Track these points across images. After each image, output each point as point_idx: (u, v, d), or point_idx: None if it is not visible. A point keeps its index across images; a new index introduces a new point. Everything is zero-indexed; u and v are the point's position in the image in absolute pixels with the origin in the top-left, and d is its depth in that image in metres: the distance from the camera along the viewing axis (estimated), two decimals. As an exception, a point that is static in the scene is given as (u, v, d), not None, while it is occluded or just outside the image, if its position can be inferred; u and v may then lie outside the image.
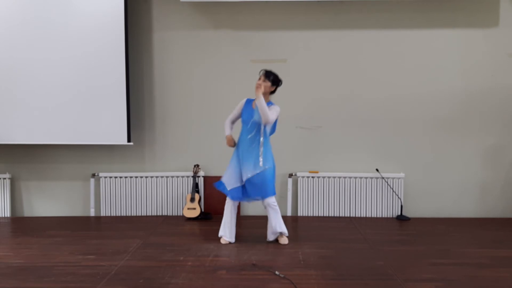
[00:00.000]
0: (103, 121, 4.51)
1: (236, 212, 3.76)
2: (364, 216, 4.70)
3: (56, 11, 4.42)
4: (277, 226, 3.67)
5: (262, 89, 3.50)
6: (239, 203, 4.09)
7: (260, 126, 3.58)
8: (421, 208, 4.72)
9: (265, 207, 3.67)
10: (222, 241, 3.72)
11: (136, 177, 4.76)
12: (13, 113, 4.47)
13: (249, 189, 3.62)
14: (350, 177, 4.70)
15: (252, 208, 4.76)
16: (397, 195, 4.67)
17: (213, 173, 4.79)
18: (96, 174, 4.76)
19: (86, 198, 4.79)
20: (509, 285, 2.85)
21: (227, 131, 3.78)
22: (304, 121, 4.72)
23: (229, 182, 3.69)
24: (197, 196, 4.57)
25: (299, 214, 4.73)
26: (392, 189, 4.67)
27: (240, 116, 3.75)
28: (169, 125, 4.79)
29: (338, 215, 4.72)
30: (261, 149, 3.58)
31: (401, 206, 4.66)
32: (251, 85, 4.52)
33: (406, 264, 3.21)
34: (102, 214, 4.75)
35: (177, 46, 4.73)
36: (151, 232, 4.09)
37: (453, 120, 4.69)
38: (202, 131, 4.76)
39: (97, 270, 3.09)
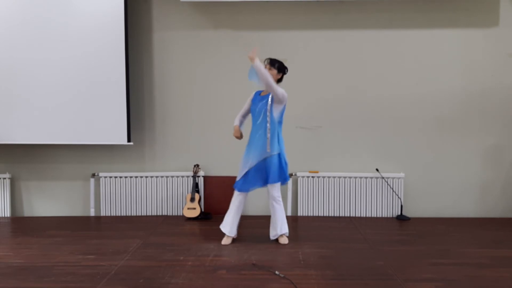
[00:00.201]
0: (103, 121, 4.51)
1: (242, 206, 3.72)
2: (364, 216, 4.70)
3: (56, 11, 4.42)
4: (282, 227, 3.68)
5: (254, 54, 3.43)
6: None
7: (267, 112, 3.57)
8: (421, 208, 4.72)
9: (270, 202, 3.66)
10: (223, 241, 3.71)
11: (136, 177, 4.76)
12: (13, 113, 4.47)
13: (253, 176, 3.61)
14: (350, 177, 4.71)
15: (252, 208, 4.76)
16: (397, 195, 4.67)
17: (213, 173, 4.80)
18: (96, 174, 4.76)
19: (86, 198, 4.79)
20: (509, 285, 2.85)
21: (236, 122, 3.83)
22: (304, 121, 4.72)
23: (239, 174, 3.70)
24: (197, 196, 4.57)
25: (299, 214, 4.73)
26: (392, 189, 4.67)
27: (249, 110, 3.77)
28: (169, 125, 4.79)
29: (338, 215, 4.72)
30: (268, 135, 3.56)
31: (401, 206, 4.66)
32: (251, 85, 4.53)
33: (406, 264, 3.21)
34: (102, 214, 4.75)
35: (177, 46, 4.73)
36: (151, 232, 4.09)
37: (453, 120, 4.69)
38: (202, 131, 4.76)
39: (97, 270, 3.09)
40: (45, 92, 4.46)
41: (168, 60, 4.75)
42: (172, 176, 4.77)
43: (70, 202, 4.82)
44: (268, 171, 3.58)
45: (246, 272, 3.05)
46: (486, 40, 4.63)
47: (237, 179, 3.71)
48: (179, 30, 4.73)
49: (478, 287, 2.82)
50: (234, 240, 3.76)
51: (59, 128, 4.50)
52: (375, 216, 4.70)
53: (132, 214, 4.76)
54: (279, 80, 3.69)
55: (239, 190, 3.68)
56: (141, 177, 4.76)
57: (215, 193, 4.76)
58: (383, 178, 4.67)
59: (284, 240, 3.73)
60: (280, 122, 3.66)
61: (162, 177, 4.77)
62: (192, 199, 4.55)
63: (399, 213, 4.67)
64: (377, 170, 4.68)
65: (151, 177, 4.76)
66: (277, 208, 3.66)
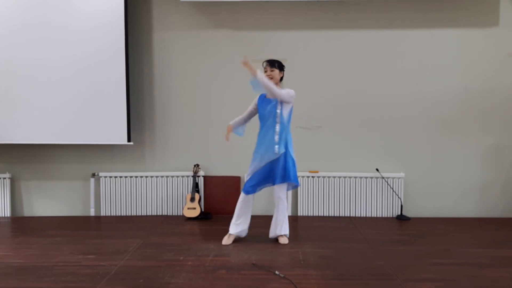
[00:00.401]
0: (103, 120, 4.51)
1: (249, 206, 3.69)
2: (364, 216, 4.70)
3: (56, 11, 4.42)
4: (282, 228, 3.69)
5: (251, 66, 3.42)
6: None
7: (276, 113, 3.56)
8: (421, 208, 4.72)
9: (275, 202, 3.67)
10: (223, 240, 3.69)
11: (136, 177, 4.76)
12: (13, 113, 4.47)
13: (261, 177, 3.61)
14: (350, 177, 4.71)
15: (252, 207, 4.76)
16: (397, 195, 4.67)
17: (213, 173, 4.80)
18: (96, 174, 4.76)
19: (86, 198, 4.79)
20: (509, 285, 2.85)
21: (231, 122, 3.80)
22: (304, 121, 4.72)
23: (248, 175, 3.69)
24: (197, 196, 4.57)
25: (299, 214, 4.74)
26: (392, 189, 4.67)
27: (254, 113, 3.75)
28: (169, 125, 4.79)
29: (338, 215, 4.72)
30: (277, 136, 3.55)
31: (401, 206, 4.66)
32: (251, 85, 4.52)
33: (406, 264, 3.21)
34: (102, 214, 4.75)
35: (177, 46, 4.73)
36: (151, 232, 4.09)
37: (453, 120, 4.69)
38: (202, 131, 4.76)
39: (97, 270, 3.09)
40: (45, 92, 4.46)
41: (168, 60, 4.75)
42: (172, 176, 4.77)
43: (70, 202, 4.82)
44: (275, 171, 3.58)
45: (246, 272, 3.05)
46: (486, 40, 4.63)
47: (246, 180, 3.71)
48: (179, 30, 4.73)
49: (478, 287, 2.82)
50: (234, 240, 3.76)
51: (59, 128, 4.50)
52: (375, 216, 4.70)
53: (132, 214, 4.76)
54: (281, 78, 3.68)
55: (246, 193, 3.65)
56: (141, 177, 4.76)
57: (215, 193, 4.76)
58: (383, 178, 4.67)
59: (284, 240, 3.73)
60: (289, 121, 3.66)
61: (162, 177, 4.77)
62: (192, 199, 4.56)
63: (399, 213, 4.67)
64: (377, 170, 4.68)
65: (151, 177, 4.76)
66: (281, 208, 3.66)
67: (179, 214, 4.76)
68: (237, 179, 4.77)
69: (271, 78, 3.56)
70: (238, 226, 3.70)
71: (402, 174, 4.68)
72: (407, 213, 4.71)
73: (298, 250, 3.53)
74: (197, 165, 4.70)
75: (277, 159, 3.57)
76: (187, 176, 4.76)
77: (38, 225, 4.38)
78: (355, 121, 4.72)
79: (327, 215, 4.72)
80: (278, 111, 3.56)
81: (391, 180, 4.68)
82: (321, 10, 4.65)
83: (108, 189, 4.74)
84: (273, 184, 3.63)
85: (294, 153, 3.66)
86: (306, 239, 3.82)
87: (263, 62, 3.63)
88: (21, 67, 4.43)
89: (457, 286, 2.82)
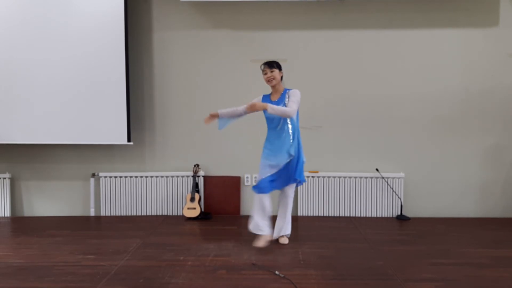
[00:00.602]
0: (103, 121, 4.51)
1: (266, 204, 3.61)
2: (364, 216, 4.70)
3: (56, 11, 4.42)
4: (286, 228, 3.71)
5: (259, 104, 3.41)
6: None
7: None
8: (421, 208, 4.72)
9: (280, 200, 3.68)
10: (256, 243, 3.61)
11: (136, 177, 4.76)
12: (13, 113, 4.47)
13: (279, 178, 3.58)
14: (350, 177, 4.71)
15: (252, 208, 4.76)
16: (397, 195, 4.67)
17: (213, 173, 4.80)
18: (96, 174, 4.76)
19: (86, 198, 4.79)
20: (509, 285, 2.85)
21: (221, 110, 3.71)
22: (304, 121, 4.69)
23: (260, 177, 3.62)
24: (197, 196, 4.57)
25: (299, 214, 4.74)
26: (392, 189, 4.67)
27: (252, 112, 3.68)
28: (169, 125, 4.79)
29: (338, 215, 4.72)
30: (291, 138, 3.54)
31: (401, 206, 4.66)
32: (251, 85, 4.53)
33: (406, 264, 3.21)
34: (102, 214, 4.75)
35: (177, 46, 4.73)
36: (151, 232, 4.09)
37: (453, 120, 4.69)
38: (202, 131, 4.75)
39: (97, 270, 3.09)
40: (45, 92, 4.46)
41: (168, 60, 4.75)
42: (172, 176, 4.77)
43: (70, 202, 4.82)
44: (290, 172, 3.57)
45: (246, 272, 3.05)
46: (486, 40, 4.63)
47: (258, 181, 3.62)
48: (179, 30, 4.73)
49: (478, 287, 2.82)
50: (234, 240, 3.76)
51: (59, 128, 4.50)
52: (375, 216, 4.70)
53: (132, 214, 4.76)
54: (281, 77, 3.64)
55: (260, 192, 3.58)
56: (141, 177, 4.76)
57: (215, 193, 4.76)
58: (383, 178, 4.67)
59: (284, 240, 3.74)
60: (297, 120, 3.65)
61: (162, 177, 4.77)
62: (192, 199, 4.56)
63: (399, 213, 4.67)
64: (377, 170, 4.69)
65: (151, 177, 4.76)
66: (290, 207, 3.67)
67: (179, 214, 4.76)
68: (237, 179, 4.77)
69: (273, 79, 3.53)
70: (260, 223, 3.69)
71: (402, 174, 4.68)
72: (407, 213, 4.71)
73: (298, 250, 3.53)
74: (197, 165, 4.70)
75: (292, 160, 3.56)
76: (187, 176, 4.76)
77: (38, 225, 4.38)
78: (355, 121, 4.72)
79: (327, 215, 4.72)
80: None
81: (391, 180, 4.68)
82: (321, 10, 4.65)
83: (108, 189, 4.74)
84: (289, 183, 3.62)
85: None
86: (306, 239, 3.82)
87: (261, 65, 3.59)
88: (21, 67, 4.44)
89: (457, 286, 2.82)
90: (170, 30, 4.73)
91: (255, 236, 3.70)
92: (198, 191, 4.65)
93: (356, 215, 4.70)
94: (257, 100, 3.71)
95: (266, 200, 3.61)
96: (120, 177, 4.75)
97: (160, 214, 4.77)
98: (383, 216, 4.70)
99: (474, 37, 4.63)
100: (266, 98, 3.66)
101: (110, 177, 4.74)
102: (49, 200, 4.83)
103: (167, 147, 4.81)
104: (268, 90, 3.72)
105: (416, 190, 4.73)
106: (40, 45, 4.43)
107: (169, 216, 4.73)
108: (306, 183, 4.70)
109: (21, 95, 4.46)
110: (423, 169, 4.72)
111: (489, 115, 4.68)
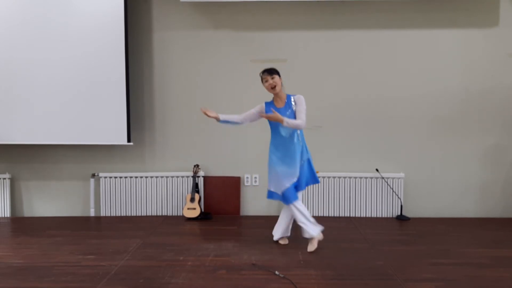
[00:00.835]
0: (103, 121, 4.51)
1: (303, 208, 3.56)
2: (364, 216, 4.70)
3: (56, 11, 4.42)
4: (289, 229, 3.73)
5: (277, 115, 3.38)
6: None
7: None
8: (421, 208, 4.72)
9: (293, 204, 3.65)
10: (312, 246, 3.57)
11: (136, 177, 4.76)
12: (13, 113, 4.47)
13: (299, 181, 3.54)
14: (350, 177, 4.71)
15: (252, 208, 4.77)
16: (397, 195, 4.67)
17: (213, 173, 4.80)
18: (96, 174, 4.76)
19: (86, 198, 4.79)
20: (509, 285, 2.85)
21: (223, 116, 3.62)
22: (304, 121, 4.71)
23: (278, 186, 3.55)
24: (197, 196, 4.57)
25: (299, 214, 4.73)
26: (392, 189, 4.67)
27: (254, 119, 3.63)
28: (169, 125, 4.79)
29: (338, 215, 4.72)
30: (301, 143, 3.54)
31: (401, 206, 4.66)
32: (250, 85, 4.53)
33: (406, 264, 3.21)
34: (102, 214, 4.75)
35: (177, 46, 4.73)
36: (151, 232, 4.09)
37: (453, 120, 4.69)
38: (202, 131, 4.75)
39: (97, 270, 3.09)
40: (45, 92, 4.46)
41: (168, 60, 4.75)
42: (172, 176, 4.77)
43: (70, 202, 4.82)
44: (306, 172, 3.56)
45: (246, 272, 3.05)
46: (486, 40, 4.63)
47: (276, 191, 3.57)
48: (179, 30, 4.73)
49: (478, 287, 2.82)
50: (234, 240, 3.76)
51: (59, 128, 4.50)
52: (375, 216, 4.70)
53: (132, 214, 4.76)
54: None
55: (294, 201, 3.50)
56: (141, 177, 4.76)
57: (215, 193, 4.76)
58: (383, 178, 4.67)
59: (285, 241, 3.74)
60: None
61: (162, 177, 4.76)
62: (192, 199, 4.55)
63: (399, 213, 4.67)
64: (377, 170, 4.68)
65: (151, 177, 4.76)
66: (295, 213, 3.58)
67: (179, 214, 4.76)
68: (237, 179, 4.77)
69: (276, 85, 3.47)
70: (280, 228, 3.73)
71: (402, 174, 4.68)
72: (407, 213, 4.71)
73: (298, 250, 3.53)
74: (197, 165, 4.70)
75: (303, 164, 3.55)
76: (187, 176, 4.75)
77: (38, 225, 4.38)
78: (355, 121, 4.72)
79: (327, 215, 4.72)
80: (294, 117, 3.50)
81: (391, 180, 4.68)
82: (321, 10, 4.65)
83: (108, 189, 4.74)
84: (308, 184, 3.62)
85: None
86: (306, 239, 3.81)
87: (260, 74, 3.53)
88: (21, 67, 4.43)
89: (457, 286, 2.82)
90: (170, 30, 4.73)
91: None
92: (198, 191, 4.65)
93: (356, 215, 4.70)
94: (260, 107, 3.62)
95: (300, 204, 3.55)
96: (120, 177, 4.75)
97: (160, 214, 4.77)
98: (383, 216, 4.70)
99: (474, 37, 4.63)
100: (271, 106, 3.57)
101: (110, 177, 4.74)
102: (49, 200, 4.83)
103: (167, 147, 4.81)
104: (264, 94, 3.67)
105: (416, 190, 4.72)
106: (40, 45, 4.43)
107: (169, 216, 4.73)
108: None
109: (21, 95, 4.46)
110: (423, 169, 4.72)
111: (489, 115, 4.68)
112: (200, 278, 2.93)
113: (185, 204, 4.63)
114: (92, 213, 4.76)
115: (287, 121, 3.38)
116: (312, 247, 3.52)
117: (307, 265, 3.19)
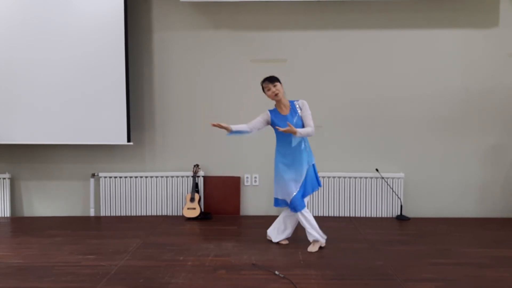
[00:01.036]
0: (103, 121, 4.51)
1: (310, 217, 3.60)
2: (364, 216, 4.70)
3: (56, 11, 4.42)
4: (291, 229, 3.74)
5: (292, 128, 3.35)
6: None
7: (302, 127, 3.50)
8: (421, 208, 4.72)
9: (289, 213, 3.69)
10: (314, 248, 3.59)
11: (136, 177, 4.76)
12: (13, 113, 4.47)
13: (304, 187, 3.55)
14: (350, 177, 4.70)
15: (252, 208, 4.77)
16: (397, 195, 4.67)
17: (213, 173, 4.80)
18: (96, 174, 4.76)
19: (86, 198, 4.79)
20: (509, 285, 2.85)
21: (234, 126, 3.53)
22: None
23: (286, 194, 3.56)
24: (197, 196, 4.57)
25: (299, 214, 4.73)
26: (392, 189, 4.67)
27: (261, 127, 3.60)
28: (169, 125, 4.79)
29: (338, 215, 4.71)
30: (307, 149, 3.56)
31: (401, 206, 4.66)
32: (250, 85, 4.53)
33: (406, 264, 3.21)
34: (102, 214, 4.75)
35: (177, 46, 4.73)
36: (151, 232, 4.09)
37: (453, 120, 4.69)
38: (202, 131, 4.75)
39: (97, 270, 3.09)
40: (45, 92, 4.46)
41: (168, 60, 4.75)
42: (172, 176, 4.77)
43: (70, 202, 4.81)
44: (311, 177, 3.57)
45: (246, 272, 3.05)
46: (486, 40, 4.63)
47: (284, 199, 3.58)
48: (179, 30, 4.73)
49: (478, 287, 2.82)
50: (234, 240, 3.76)
51: (59, 128, 4.50)
52: (375, 216, 4.70)
53: (132, 214, 4.76)
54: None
55: (301, 209, 3.52)
56: (141, 177, 4.76)
57: (215, 193, 4.76)
58: (383, 178, 4.67)
59: (285, 241, 3.74)
60: None
61: (162, 177, 4.76)
62: (192, 199, 4.55)
63: (399, 213, 4.67)
64: (377, 170, 4.68)
65: (151, 177, 4.76)
66: (300, 218, 3.60)
67: (179, 214, 4.76)
68: (236, 179, 4.77)
69: (278, 93, 3.46)
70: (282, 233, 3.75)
71: (402, 174, 4.68)
72: (407, 213, 4.71)
73: (298, 250, 3.53)
74: (197, 165, 4.70)
75: (309, 169, 3.56)
76: (187, 176, 4.75)
77: (38, 225, 4.38)
78: (355, 121, 4.72)
79: (327, 215, 4.72)
80: (302, 123, 3.52)
81: (391, 180, 4.68)
82: (321, 10, 4.65)
83: (108, 189, 4.74)
84: (314, 190, 3.64)
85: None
86: (306, 239, 3.81)
87: (261, 83, 3.52)
88: (21, 67, 4.43)
89: (457, 286, 2.82)
90: (170, 30, 4.73)
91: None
92: (198, 191, 4.65)
93: (356, 215, 4.70)
94: (266, 116, 3.58)
95: (307, 213, 3.57)
96: (120, 177, 4.75)
97: (160, 214, 4.77)
98: (383, 216, 4.70)
99: (474, 37, 4.63)
100: (276, 114, 3.56)
101: (110, 177, 4.74)
102: (49, 200, 4.82)
103: (167, 147, 4.81)
104: (264, 95, 3.63)
105: (416, 190, 4.72)
106: (40, 45, 4.43)
107: (169, 216, 4.73)
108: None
109: (21, 95, 4.46)
110: (423, 169, 4.72)
111: (489, 115, 4.68)
112: (200, 278, 2.93)
113: (185, 204, 4.63)
114: (92, 213, 4.76)
115: (300, 132, 3.39)
116: (313, 248, 3.53)
117: (307, 265, 3.19)
